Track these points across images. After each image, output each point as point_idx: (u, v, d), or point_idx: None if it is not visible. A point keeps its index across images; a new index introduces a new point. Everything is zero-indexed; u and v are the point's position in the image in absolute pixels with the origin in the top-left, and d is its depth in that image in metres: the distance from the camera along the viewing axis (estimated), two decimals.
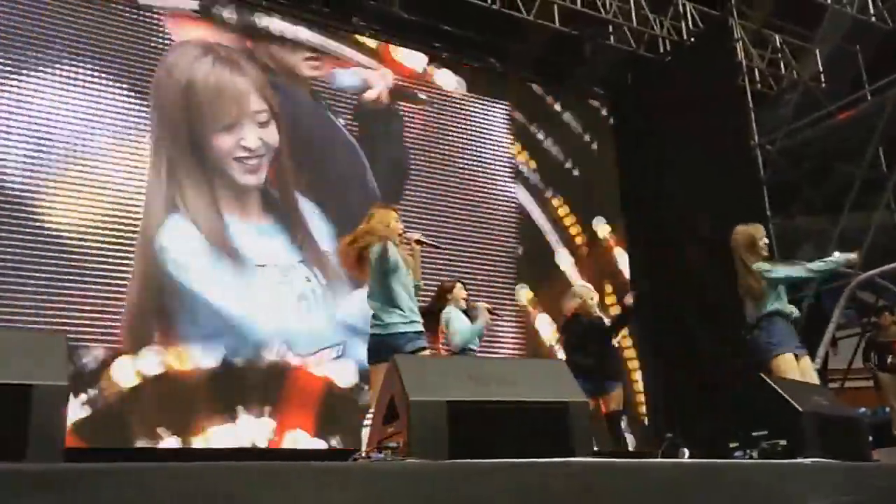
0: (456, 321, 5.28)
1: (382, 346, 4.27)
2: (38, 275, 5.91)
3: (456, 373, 2.50)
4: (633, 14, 8.74)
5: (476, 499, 2.12)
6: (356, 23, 7.93)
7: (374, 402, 3.56)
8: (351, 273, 4.58)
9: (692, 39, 9.05)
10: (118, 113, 6.56)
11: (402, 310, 4.32)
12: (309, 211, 7.18)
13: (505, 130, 8.70)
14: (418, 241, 4.59)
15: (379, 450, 2.32)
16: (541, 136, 8.91)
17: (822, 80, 9.25)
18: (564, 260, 8.62)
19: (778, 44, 9.48)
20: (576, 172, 9.02)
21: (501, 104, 8.75)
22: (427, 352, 4.52)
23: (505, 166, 8.56)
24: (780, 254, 7.93)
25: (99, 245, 6.22)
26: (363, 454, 2.45)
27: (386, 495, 1.97)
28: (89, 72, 6.53)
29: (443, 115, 8.31)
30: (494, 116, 8.67)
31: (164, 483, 1.65)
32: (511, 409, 2.43)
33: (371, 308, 4.40)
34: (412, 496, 2.02)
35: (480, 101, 8.60)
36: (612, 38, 8.92)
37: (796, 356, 4.67)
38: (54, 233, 6.10)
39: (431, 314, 5.16)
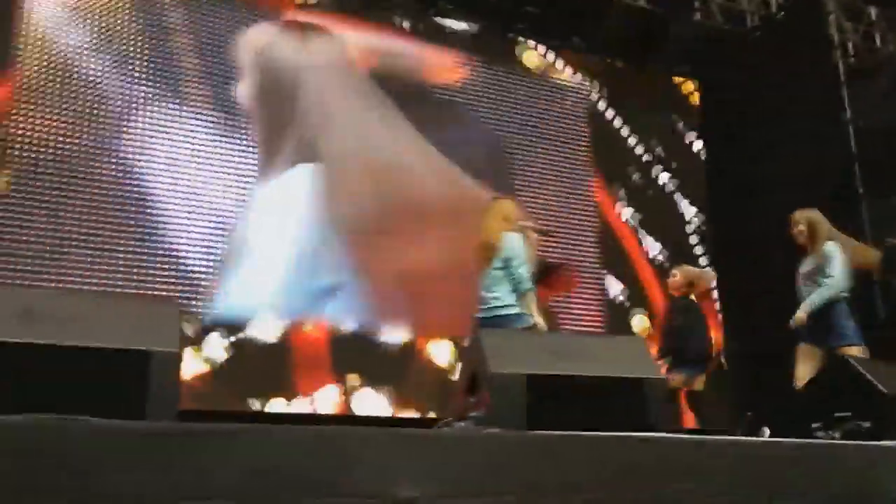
0: None
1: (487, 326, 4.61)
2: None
3: (536, 347, 2.60)
4: None
5: (553, 469, 2.21)
6: (442, 6, 8.05)
7: None
8: (479, 264, 4.84)
9: (782, 13, 8.79)
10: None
11: (506, 294, 4.63)
12: None
13: (586, 110, 8.68)
14: (536, 231, 4.89)
15: (461, 419, 2.43)
16: (623, 116, 8.87)
17: None
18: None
19: (873, 16, 9.12)
20: (660, 152, 8.97)
21: (584, 84, 8.74)
22: None
23: (586, 148, 8.57)
24: (875, 236, 7.69)
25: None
26: (447, 423, 2.57)
27: (466, 462, 2.08)
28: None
29: (524, 93, 8.36)
30: (577, 96, 8.67)
31: (266, 443, 1.80)
32: (588, 383, 2.52)
33: (483, 291, 4.71)
34: (491, 464, 2.12)
35: (562, 81, 8.61)
36: (697, 14, 8.76)
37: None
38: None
39: None
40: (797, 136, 8.10)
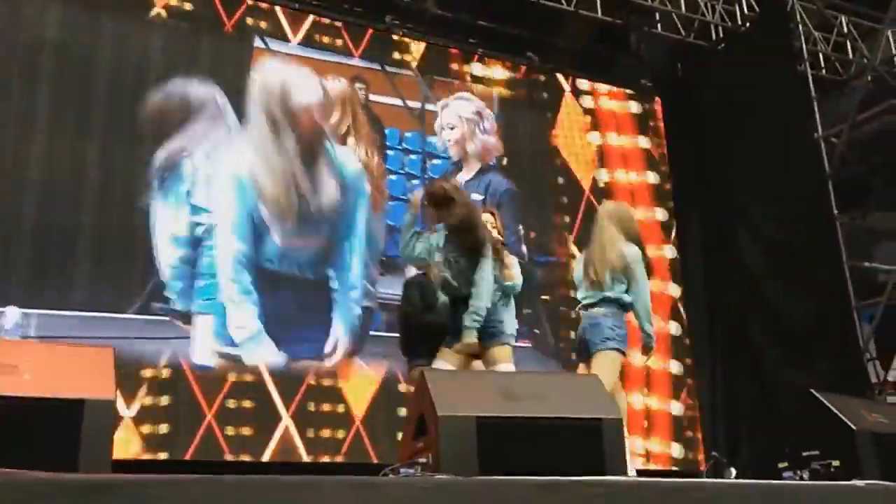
0: None
1: None
2: None
3: (486, 387, 2.73)
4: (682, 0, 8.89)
5: None
6: (389, 21, 8.20)
7: None
8: None
9: (747, 24, 9.16)
10: None
11: None
12: None
13: (545, 126, 8.92)
14: None
15: (409, 465, 2.55)
16: (584, 132, 9.10)
17: (895, 64, 9.26)
18: None
19: (844, 26, 9.52)
20: (624, 171, 9.24)
21: (542, 100, 8.98)
22: None
23: (547, 164, 8.82)
24: (852, 254, 8.03)
25: None
26: (393, 469, 2.68)
27: None
28: None
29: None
30: (534, 113, 8.91)
31: (200, 495, 1.91)
32: (542, 425, 2.65)
33: None
34: None
35: (520, 98, 8.85)
36: (659, 26, 9.08)
37: None
38: None
39: None
40: (766, 155, 8.41)
